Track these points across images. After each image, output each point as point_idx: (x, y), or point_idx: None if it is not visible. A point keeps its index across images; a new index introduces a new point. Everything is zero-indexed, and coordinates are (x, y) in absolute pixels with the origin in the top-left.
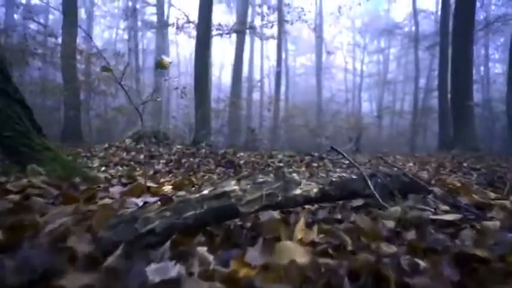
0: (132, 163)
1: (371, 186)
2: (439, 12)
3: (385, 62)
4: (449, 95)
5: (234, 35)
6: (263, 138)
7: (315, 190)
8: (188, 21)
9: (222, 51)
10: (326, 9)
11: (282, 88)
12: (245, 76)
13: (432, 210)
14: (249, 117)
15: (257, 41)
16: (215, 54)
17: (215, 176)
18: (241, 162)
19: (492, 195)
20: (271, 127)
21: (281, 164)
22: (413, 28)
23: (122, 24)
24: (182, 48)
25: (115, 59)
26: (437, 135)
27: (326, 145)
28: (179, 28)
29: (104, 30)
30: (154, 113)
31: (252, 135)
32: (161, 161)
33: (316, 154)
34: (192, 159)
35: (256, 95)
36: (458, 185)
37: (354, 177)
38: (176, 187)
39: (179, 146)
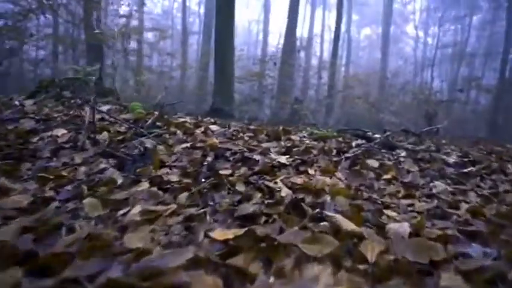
0: None
1: None
2: None
3: (463, 32)
4: None
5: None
6: (313, 112)
7: None
8: None
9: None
10: None
11: (343, 61)
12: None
13: None
14: (305, 87)
15: (319, 11)
16: (273, 21)
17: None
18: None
19: None
20: (324, 99)
21: (283, 161)
22: None
23: None
24: (239, 16)
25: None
26: None
27: (393, 123)
28: None
29: None
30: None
31: (298, 107)
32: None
33: (377, 136)
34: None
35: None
36: None
37: None
38: None
39: (107, 107)
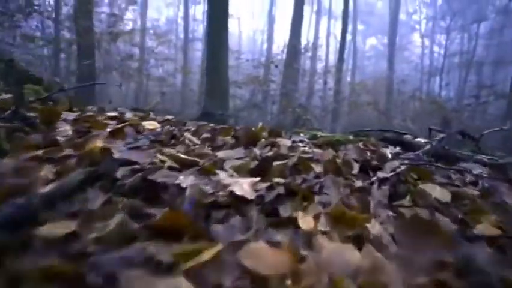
0: None
1: None
2: None
3: (471, 40)
4: None
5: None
6: (318, 118)
7: None
8: None
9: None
10: None
11: (348, 68)
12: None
13: None
14: (309, 92)
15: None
16: (277, 31)
17: None
18: None
19: None
20: (329, 105)
21: (241, 193)
22: None
23: None
24: (244, 26)
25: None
26: None
27: (407, 131)
28: None
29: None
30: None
31: (301, 111)
32: None
33: (421, 140)
34: None
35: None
36: None
37: None
38: None
39: None
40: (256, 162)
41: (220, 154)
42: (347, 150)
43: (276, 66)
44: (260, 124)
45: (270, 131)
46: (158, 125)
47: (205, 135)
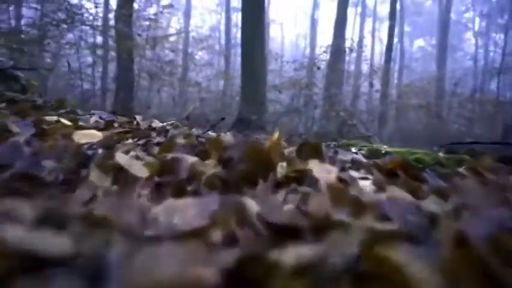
0: None
1: None
2: None
3: None
4: None
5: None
6: (365, 123)
7: None
8: None
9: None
10: None
11: (395, 72)
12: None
13: None
14: (355, 96)
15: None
16: (320, 35)
17: None
18: None
19: None
20: (375, 109)
21: None
22: None
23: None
24: (287, 31)
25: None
26: None
27: (466, 136)
28: None
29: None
30: None
31: (346, 115)
32: None
33: None
34: None
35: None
36: None
37: None
38: None
39: None
40: (226, 261)
41: (159, 210)
42: (466, 197)
43: (319, 68)
44: (277, 133)
45: (299, 147)
46: (100, 136)
47: (170, 156)
